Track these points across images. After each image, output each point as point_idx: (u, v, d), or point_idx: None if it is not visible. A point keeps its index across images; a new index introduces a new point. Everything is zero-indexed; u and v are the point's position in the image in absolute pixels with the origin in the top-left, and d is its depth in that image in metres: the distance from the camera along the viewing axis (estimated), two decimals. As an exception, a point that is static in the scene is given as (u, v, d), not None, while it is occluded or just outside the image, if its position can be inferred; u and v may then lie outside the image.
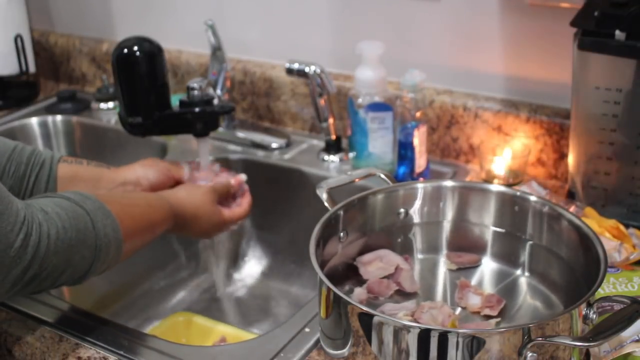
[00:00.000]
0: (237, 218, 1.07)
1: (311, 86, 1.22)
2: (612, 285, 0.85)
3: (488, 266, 0.85)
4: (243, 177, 1.10)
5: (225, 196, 1.07)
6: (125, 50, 1.03)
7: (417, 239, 0.88)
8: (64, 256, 0.74)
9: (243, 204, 1.09)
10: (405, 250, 0.87)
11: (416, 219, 0.88)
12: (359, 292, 0.79)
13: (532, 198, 0.83)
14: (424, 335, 0.63)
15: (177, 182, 1.08)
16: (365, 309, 0.65)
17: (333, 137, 1.26)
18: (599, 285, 0.66)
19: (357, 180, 0.87)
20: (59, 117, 1.52)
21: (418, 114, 1.13)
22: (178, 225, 0.97)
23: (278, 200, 1.28)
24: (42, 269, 0.72)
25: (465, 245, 0.87)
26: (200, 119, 1.07)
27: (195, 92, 1.07)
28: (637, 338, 0.74)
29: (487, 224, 0.87)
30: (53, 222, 0.73)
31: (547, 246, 0.82)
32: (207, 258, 1.24)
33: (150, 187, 1.04)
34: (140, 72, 1.04)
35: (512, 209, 0.84)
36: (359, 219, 0.84)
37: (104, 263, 0.80)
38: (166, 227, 0.94)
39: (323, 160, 1.26)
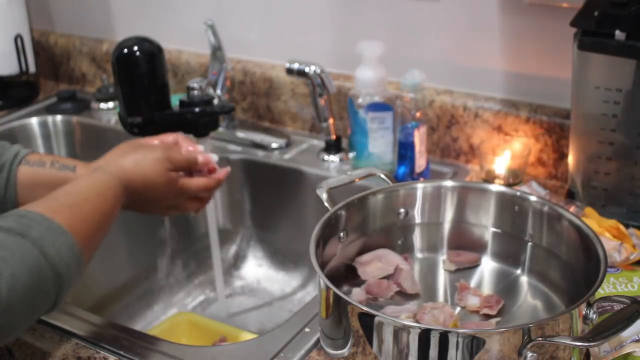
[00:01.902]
0: (197, 187, 0.97)
1: (311, 86, 1.22)
2: (612, 285, 0.85)
3: (488, 266, 0.85)
4: (214, 157, 1.01)
5: (187, 170, 0.97)
6: (125, 50, 1.03)
7: (417, 239, 0.88)
8: (22, 305, 0.67)
9: (207, 176, 0.99)
10: (405, 250, 0.87)
11: (416, 219, 0.88)
12: (358, 292, 0.79)
13: (532, 198, 0.83)
14: (424, 335, 0.63)
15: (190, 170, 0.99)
16: (365, 309, 0.65)
17: (333, 137, 1.26)
18: (599, 285, 0.66)
19: (357, 180, 0.87)
20: (59, 117, 1.52)
21: (418, 114, 1.13)
22: (131, 201, 0.89)
23: (278, 200, 1.29)
24: (2, 324, 0.65)
25: (465, 245, 0.87)
26: (200, 119, 1.07)
27: (195, 92, 1.07)
28: (637, 338, 0.74)
29: (487, 224, 0.87)
30: (1, 272, 0.65)
31: (547, 246, 0.82)
32: (207, 258, 1.24)
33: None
34: (140, 72, 1.04)
35: (512, 209, 0.84)
36: (359, 219, 0.84)
37: (69, 285, 0.74)
38: (118, 208, 0.87)
39: (323, 160, 1.26)
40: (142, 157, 0.92)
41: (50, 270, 0.70)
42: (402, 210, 0.87)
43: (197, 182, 0.97)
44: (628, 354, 0.73)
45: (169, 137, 0.99)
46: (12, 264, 0.66)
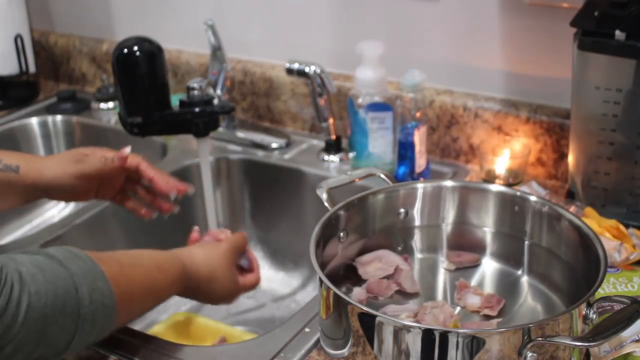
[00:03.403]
0: (251, 285, 0.97)
1: (311, 86, 1.22)
2: (612, 285, 0.85)
3: (488, 266, 0.85)
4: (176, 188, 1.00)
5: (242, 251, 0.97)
6: (125, 50, 1.03)
7: (417, 239, 0.88)
8: (35, 327, 0.62)
9: (255, 270, 0.99)
10: (405, 250, 0.87)
11: (416, 219, 0.88)
12: (358, 292, 0.79)
13: (532, 198, 0.83)
14: (424, 335, 0.63)
15: (121, 171, 0.98)
16: (365, 309, 0.65)
17: (333, 137, 1.26)
18: (599, 285, 0.66)
19: (357, 180, 0.87)
20: (59, 117, 1.52)
21: (418, 114, 1.13)
22: (189, 289, 0.86)
23: (278, 200, 1.29)
24: (7, 342, 0.61)
25: (465, 245, 0.87)
26: (200, 119, 1.07)
27: (195, 92, 1.07)
28: (637, 338, 0.74)
29: (487, 224, 0.87)
30: (26, 286, 0.62)
31: (547, 246, 0.82)
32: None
33: (78, 183, 0.94)
34: (140, 72, 1.04)
35: (512, 209, 0.84)
36: (359, 219, 0.84)
37: (89, 334, 0.69)
38: (175, 291, 0.84)
39: (323, 160, 1.26)
40: (212, 250, 0.91)
41: (76, 307, 0.66)
42: (402, 210, 0.87)
43: (251, 280, 0.97)
44: (628, 354, 0.73)
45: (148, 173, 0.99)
46: (41, 283, 0.63)
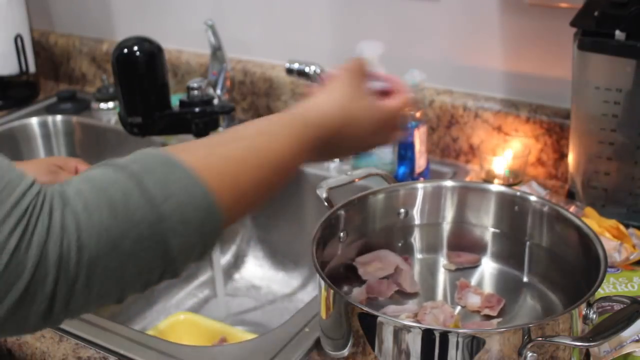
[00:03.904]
0: (397, 108, 0.76)
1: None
2: (612, 285, 0.85)
3: (488, 266, 0.85)
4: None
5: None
6: (125, 50, 1.03)
7: (417, 239, 0.88)
8: (100, 249, 0.48)
9: (395, 89, 0.78)
10: (405, 250, 0.87)
11: (416, 219, 0.88)
12: (359, 292, 0.79)
13: (532, 198, 0.83)
14: (424, 335, 0.63)
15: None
16: (365, 309, 0.65)
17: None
18: (599, 285, 0.66)
19: (357, 180, 0.87)
20: (59, 117, 1.52)
21: (418, 114, 1.13)
22: (324, 143, 0.68)
23: (278, 200, 1.28)
24: (72, 276, 0.47)
25: (465, 245, 0.87)
26: (200, 119, 1.07)
27: (195, 92, 1.07)
28: (637, 338, 0.74)
29: (487, 224, 0.87)
30: (68, 205, 0.48)
31: (547, 246, 0.82)
32: (207, 258, 1.24)
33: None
34: (140, 72, 1.04)
35: (512, 209, 0.84)
36: (359, 219, 0.84)
37: (190, 238, 0.53)
38: (305, 154, 0.65)
39: (323, 160, 1.26)
40: (331, 86, 0.73)
41: (146, 208, 0.50)
42: (402, 210, 0.87)
43: (393, 100, 0.76)
44: (628, 354, 0.73)
45: None
46: (88, 197, 0.49)
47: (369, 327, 0.65)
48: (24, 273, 0.45)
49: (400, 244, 0.87)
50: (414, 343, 0.63)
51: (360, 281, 0.82)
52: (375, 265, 0.82)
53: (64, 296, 0.47)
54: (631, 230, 0.95)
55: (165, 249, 0.51)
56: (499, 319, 0.76)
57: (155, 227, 0.50)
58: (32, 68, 1.53)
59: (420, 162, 1.15)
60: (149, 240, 0.50)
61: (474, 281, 0.83)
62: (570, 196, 1.05)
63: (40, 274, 0.46)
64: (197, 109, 1.07)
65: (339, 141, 0.70)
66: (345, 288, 0.81)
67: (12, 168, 0.48)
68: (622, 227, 0.93)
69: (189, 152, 0.56)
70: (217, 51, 1.32)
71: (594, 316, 0.67)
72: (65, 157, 0.97)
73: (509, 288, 0.81)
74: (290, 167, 0.64)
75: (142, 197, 0.50)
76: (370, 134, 0.73)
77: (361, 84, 0.75)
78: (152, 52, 1.04)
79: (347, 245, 0.83)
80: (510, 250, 0.85)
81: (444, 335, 0.62)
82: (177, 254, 0.52)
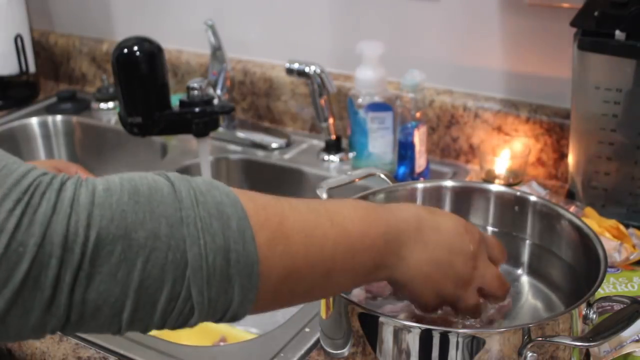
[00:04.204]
0: (494, 275, 0.66)
1: (311, 86, 1.22)
2: (612, 285, 0.85)
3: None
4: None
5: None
6: (125, 50, 1.03)
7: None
8: (108, 232, 0.43)
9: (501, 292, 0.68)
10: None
11: (416, 219, 0.88)
12: (358, 292, 0.79)
13: (532, 198, 0.83)
14: (424, 335, 0.63)
15: None
16: (365, 309, 0.65)
17: (333, 137, 1.26)
18: (599, 285, 0.66)
19: (357, 180, 0.87)
20: (59, 117, 1.52)
21: (418, 114, 1.13)
22: (401, 251, 0.59)
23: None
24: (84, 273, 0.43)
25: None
26: (200, 119, 1.07)
27: (195, 92, 1.07)
28: (637, 338, 0.74)
29: (487, 224, 0.87)
30: (90, 184, 0.45)
31: (547, 246, 0.82)
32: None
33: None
34: (140, 72, 1.04)
35: (512, 209, 0.84)
36: (359, 219, 0.84)
37: (210, 255, 0.46)
38: (376, 251, 0.57)
39: (323, 160, 1.26)
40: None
41: (171, 208, 0.46)
42: (402, 210, 0.87)
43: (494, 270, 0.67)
44: (628, 354, 0.73)
45: None
46: (114, 180, 0.46)
47: (369, 327, 0.65)
48: (25, 254, 0.41)
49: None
50: (414, 343, 0.63)
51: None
52: (375, 265, 0.82)
53: (69, 284, 0.42)
54: (631, 230, 0.95)
55: (183, 261, 0.45)
56: (499, 319, 0.76)
57: (175, 229, 0.45)
58: (32, 68, 1.53)
59: (420, 162, 1.15)
60: (166, 240, 0.45)
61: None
62: (570, 196, 1.05)
63: (44, 254, 0.41)
64: (197, 109, 1.06)
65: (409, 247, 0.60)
66: (345, 288, 0.81)
67: (10, 155, 0.45)
68: (622, 227, 0.93)
69: (250, 199, 0.50)
70: (217, 51, 1.32)
71: (594, 316, 0.67)
72: (67, 161, 0.94)
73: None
74: (360, 264, 0.56)
75: (170, 194, 0.47)
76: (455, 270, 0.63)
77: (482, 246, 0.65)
78: (152, 52, 1.04)
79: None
80: (510, 250, 0.85)
81: (444, 335, 0.62)
82: (196, 274, 0.46)
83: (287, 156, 1.29)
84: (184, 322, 0.48)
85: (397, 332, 0.64)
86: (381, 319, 0.64)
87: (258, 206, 0.50)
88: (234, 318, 0.49)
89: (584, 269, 0.75)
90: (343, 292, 0.61)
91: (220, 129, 1.30)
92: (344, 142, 1.27)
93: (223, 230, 0.47)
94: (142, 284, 0.45)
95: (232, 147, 1.34)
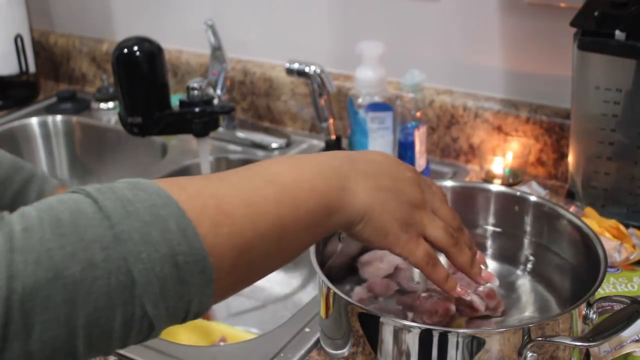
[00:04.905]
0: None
1: (311, 86, 1.22)
2: (612, 285, 0.85)
3: (488, 266, 0.85)
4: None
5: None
6: (125, 50, 1.03)
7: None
8: (36, 279, 0.39)
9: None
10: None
11: (416, 219, 0.88)
12: (359, 292, 0.79)
13: (532, 198, 0.83)
14: (424, 335, 0.63)
15: None
16: (365, 309, 0.65)
17: (333, 137, 1.26)
18: (599, 285, 0.66)
19: (357, 180, 0.87)
20: (59, 117, 1.52)
21: (418, 114, 1.13)
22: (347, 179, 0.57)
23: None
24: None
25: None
26: (200, 119, 1.07)
27: (195, 92, 1.07)
28: (637, 338, 0.74)
29: (486, 224, 0.87)
30: (8, 227, 0.40)
31: (547, 246, 0.82)
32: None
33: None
34: (140, 72, 1.04)
35: (512, 209, 0.84)
36: (359, 219, 0.84)
37: (156, 266, 0.43)
38: (327, 193, 0.55)
39: (323, 160, 1.26)
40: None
41: (102, 230, 0.42)
42: (402, 210, 0.87)
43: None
44: (628, 354, 0.73)
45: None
46: (33, 214, 0.41)
47: (369, 327, 0.65)
48: None
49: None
50: (414, 343, 0.63)
51: (360, 281, 0.82)
52: (376, 265, 0.82)
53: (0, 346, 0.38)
54: (631, 230, 0.95)
55: (129, 280, 0.42)
56: (499, 319, 0.76)
57: (111, 250, 0.41)
58: (32, 68, 1.53)
59: (420, 162, 1.15)
60: (104, 266, 0.41)
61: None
62: (570, 196, 1.05)
63: None
64: (197, 109, 1.06)
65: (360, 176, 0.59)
66: (346, 287, 0.81)
67: None
68: (622, 227, 0.93)
69: (180, 186, 0.47)
70: (217, 51, 1.32)
71: (594, 316, 0.67)
72: None
73: (509, 288, 0.81)
74: (310, 225, 0.54)
75: (96, 213, 0.42)
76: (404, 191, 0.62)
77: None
78: (152, 52, 1.04)
79: (347, 244, 0.83)
80: (510, 250, 0.85)
81: (444, 335, 0.62)
82: (147, 290, 0.42)
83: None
84: (145, 337, 0.46)
85: (397, 332, 0.64)
86: (381, 319, 0.65)
87: (191, 195, 0.46)
88: (197, 316, 0.47)
89: (584, 269, 0.75)
90: (305, 249, 0.56)
91: (220, 129, 1.30)
92: (344, 142, 1.27)
93: (163, 235, 0.43)
94: (89, 319, 0.41)
95: (232, 147, 1.34)
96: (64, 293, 0.40)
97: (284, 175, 0.53)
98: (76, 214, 0.42)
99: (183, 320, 0.47)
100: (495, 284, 0.74)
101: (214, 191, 0.48)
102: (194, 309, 0.46)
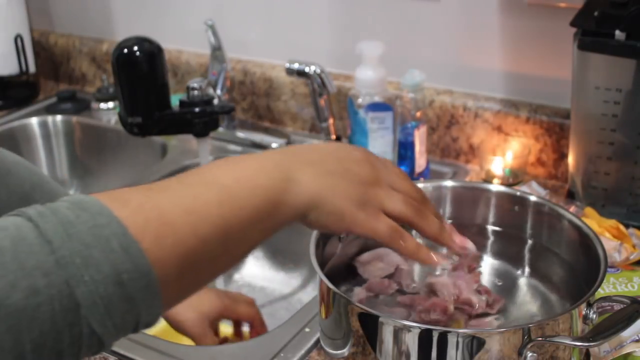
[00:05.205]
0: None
1: (311, 86, 1.22)
2: (612, 285, 0.85)
3: (488, 266, 0.85)
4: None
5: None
6: (125, 50, 1.03)
7: (417, 239, 0.88)
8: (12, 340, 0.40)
9: None
10: (405, 250, 0.86)
11: (416, 219, 0.88)
12: (359, 292, 0.79)
13: (532, 198, 0.83)
14: (424, 335, 0.63)
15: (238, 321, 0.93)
16: (365, 309, 0.65)
17: (333, 137, 1.26)
18: (599, 285, 0.66)
19: (357, 180, 0.87)
20: (59, 117, 1.52)
21: (418, 114, 1.13)
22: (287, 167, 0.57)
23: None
24: None
25: (465, 245, 0.87)
26: (200, 119, 1.07)
27: (195, 92, 1.07)
28: (637, 338, 0.74)
29: (486, 224, 0.87)
30: None
31: (547, 246, 0.82)
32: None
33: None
34: (140, 72, 1.04)
35: (512, 209, 0.84)
36: (359, 219, 0.84)
37: (99, 287, 0.43)
38: (268, 190, 0.54)
39: (323, 160, 1.26)
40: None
41: (43, 256, 0.42)
42: (402, 210, 0.87)
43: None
44: (628, 354, 0.73)
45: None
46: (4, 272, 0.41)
47: (369, 327, 0.65)
48: None
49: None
50: (413, 343, 0.63)
51: (360, 280, 0.82)
52: (376, 265, 0.82)
53: None
54: (631, 230, 0.95)
55: (73, 303, 0.42)
56: (499, 319, 0.76)
57: (53, 276, 0.41)
58: (32, 68, 1.53)
59: (420, 162, 1.15)
60: (46, 292, 0.41)
61: (474, 281, 0.83)
62: (570, 196, 1.05)
63: None
64: (197, 109, 1.06)
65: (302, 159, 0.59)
66: (346, 287, 0.81)
67: None
68: (622, 227, 0.93)
69: (116, 199, 0.47)
70: (217, 51, 1.32)
71: (594, 316, 0.67)
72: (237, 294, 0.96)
73: (509, 288, 0.81)
74: (255, 228, 0.54)
75: (37, 238, 0.42)
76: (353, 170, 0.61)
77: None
78: (152, 52, 1.04)
79: (347, 244, 0.83)
80: (510, 250, 0.85)
81: (444, 335, 0.62)
82: (92, 311, 0.43)
83: (287, 156, 1.29)
84: (97, 351, 0.46)
85: (397, 332, 0.64)
86: (381, 319, 0.65)
87: (133, 209, 0.46)
88: (147, 325, 0.48)
89: (584, 269, 0.75)
90: (256, 246, 0.55)
91: (220, 129, 1.30)
92: (344, 142, 1.27)
93: (106, 255, 0.43)
94: (36, 343, 0.41)
95: (232, 147, 1.34)
96: (7, 321, 0.40)
97: (225, 176, 0.53)
98: (17, 241, 0.42)
99: (134, 331, 0.47)
100: (470, 248, 0.71)
101: (155, 202, 0.48)
102: (143, 320, 0.46)
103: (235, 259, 0.54)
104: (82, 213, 0.44)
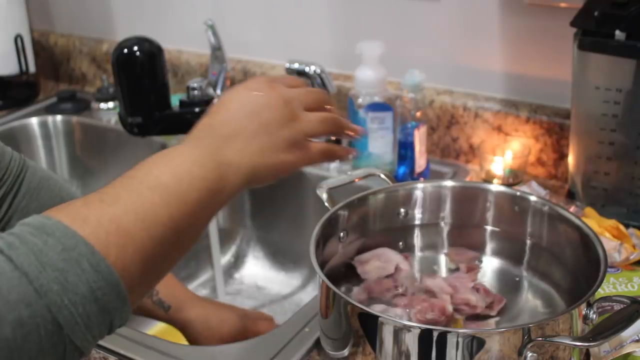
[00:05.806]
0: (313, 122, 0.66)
1: (311, 86, 1.21)
2: (612, 285, 0.85)
3: (488, 266, 0.85)
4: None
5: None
6: (125, 50, 1.03)
7: (417, 239, 0.88)
8: None
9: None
10: (405, 250, 0.87)
11: (416, 219, 0.88)
12: (358, 292, 0.79)
13: (532, 198, 0.83)
14: (424, 335, 0.63)
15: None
16: (365, 309, 0.65)
17: (333, 137, 1.26)
18: (599, 285, 0.66)
19: (357, 180, 0.87)
20: (59, 117, 1.52)
21: (418, 114, 1.13)
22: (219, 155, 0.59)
23: (278, 200, 1.28)
24: None
25: (465, 245, 0.87)
26: (200, 118, 1.07)
27: (195, 92, 1.07)
28: (637, 338, 0.74)
29: (486, 224, 0.87)
30: None
31: (547, 246, 0.82)
32: (207, 258, 1.23)
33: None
34: (140, 72, 1.04)
35: (512, 209, 0.84)
36: (359, 219, 0.84)
37: (79, 309, 0.46)
38: (205, 170, 0.56)
39: (323, 160, 1.26)
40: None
41: (23, 289, 0.44)
42: (402, 210, 0.87)
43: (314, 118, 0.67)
44: (628, 354, 0.73)
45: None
46: None
47: (369, 327, 0.65)
48: None
49: (400, 244, 0.87)
50: (413, 343, 0.63)
51: (360, 280, 0.82)
52: (375, 264, 0.82)
53: None
54: (631, 230, 0.95)
55: (56, 327, 0.45)
56: (499, 319, 0.76)
57: (35, 305, 0.44)
58: (32, 68, 1.53)
59: (420, 162, 1.15)
60: (31, 321, 0.43)
61: (474, 281, 0.83)
62: (570, 196, 1.05)
63: None
64: (197, 109, 1.07)
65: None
66: (345, 287, 0.81)
67: None
68: (622, 227, 0.93)
69: (81, 219, 0.48)
70: (217, 51, 1.32)
71: (594, 316, 0.67)
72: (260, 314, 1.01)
73: (509, 288, 0.81)
74: (203, 213, 0.56)
75: (13, 271, 0.44)
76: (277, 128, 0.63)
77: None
78: (152, 52, 1.04)
79: (347, 244, 0.83)
80: (510, 250, 0.85)
81: (444, 335, 0.62)
82: (74, 330, 0.46)
83: (287, 156, 1.29)
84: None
85: (397, 332, 0.64)
86: (381, 319, 0.65)
87: (94, 226, 0.48)
88: (120, 327, 0.51)
89: (584, 269, 0.75)
90: (207, 225, 0.59)
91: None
92: (344, 142, 1.27)
93: (79, 277, 0.46)
94: None
95: (232, 147, 1.34)
96: (2, 355, 0.43)
97: (164, 175, 0.55)
98: None
99: (108, 334, 0.50)
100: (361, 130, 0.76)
101: (111, 214, 0.50)
102: (116, 324, 0.50)
103: (188, 247, 0.57)
104: (49, 239, 0.46)
